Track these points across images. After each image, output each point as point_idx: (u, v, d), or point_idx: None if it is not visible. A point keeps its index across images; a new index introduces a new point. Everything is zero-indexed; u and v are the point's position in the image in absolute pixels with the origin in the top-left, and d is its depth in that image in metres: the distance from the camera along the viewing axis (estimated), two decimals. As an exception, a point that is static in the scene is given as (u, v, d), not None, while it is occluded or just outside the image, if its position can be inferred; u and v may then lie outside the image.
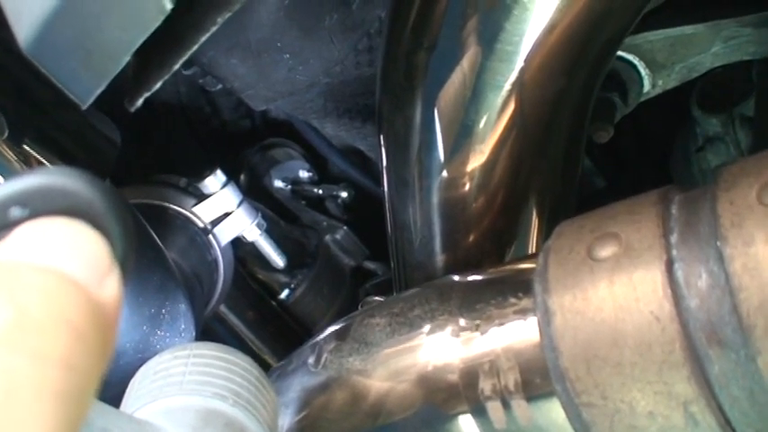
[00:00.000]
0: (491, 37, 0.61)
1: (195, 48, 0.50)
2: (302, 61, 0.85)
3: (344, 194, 1.15)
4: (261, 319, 1.11)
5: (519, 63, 0.62)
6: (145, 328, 0.72)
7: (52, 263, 0.31)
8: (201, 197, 0.96)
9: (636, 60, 0.87)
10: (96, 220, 0.33)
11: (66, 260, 0.31)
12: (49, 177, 0.33)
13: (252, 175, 1.16)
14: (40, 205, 0.32)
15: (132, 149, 0.94)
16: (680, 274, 0.50)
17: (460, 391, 0.58)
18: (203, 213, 0.95)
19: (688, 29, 0.84)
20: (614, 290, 0.51)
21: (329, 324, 1.13)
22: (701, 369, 0.49)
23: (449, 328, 0.59)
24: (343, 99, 0.93)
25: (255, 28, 0.81)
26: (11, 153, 0.61)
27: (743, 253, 0.47)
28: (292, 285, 1.12)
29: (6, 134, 0.61)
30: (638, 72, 0.88)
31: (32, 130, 0.64)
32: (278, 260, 1.07)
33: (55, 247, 0.32)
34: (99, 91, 0.52)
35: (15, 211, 0.32)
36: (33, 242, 0.31)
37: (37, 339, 0.29)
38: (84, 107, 0.53)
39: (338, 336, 0.64)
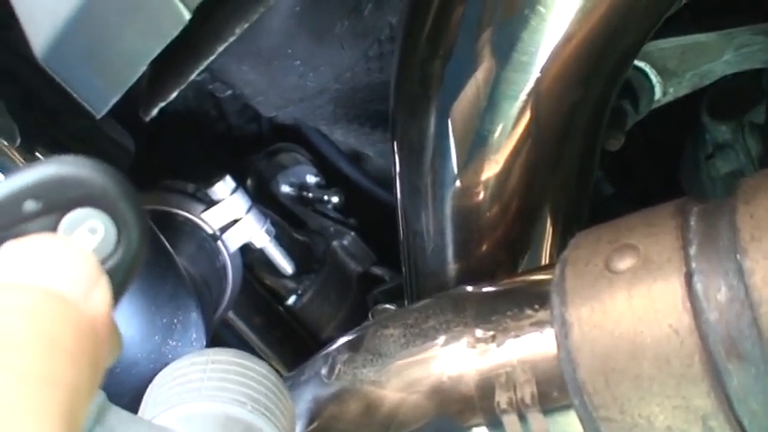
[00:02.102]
0: (507, 47, 0.61)
1: (212, 58, 0.50)
2: (313, 68, 0.85)
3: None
4: (268, 324, 1.10)
5: (535, 73, 0.62)
6: (157, 337, 0.72)
7: (35, 281, 0.31)
8: (210, 203, 0.95)
9: (647, 68, 0.87)
10: (110, 208, 0.33)
11: (50, 277, 0.32)
12: (62, 168, 0.33)
13: (259, 180, 1.15)
14: (54, 196, 0.33)
15: (140, 155, 0.94)
16: (699, 286, 0.49)
17: (476, 403, 0.58)
18: (212, 220, 0.94)
19: (700, 37, 0.84)
20: (633, 302, 0.51)
21: (336, 329, 1.14)
22: (720, 383, 0.49)
23: (464, 340, 0.59)
24: (352, 105, 0.93)
25: (266, 35, 0.81)
26: (23, 161, 0.61)
27: (763, 266, 0.47)
28: (300, 291, 1.11)
29: (19, 142, 0.61)
30: (650, 80, 0.88)
31: (45, 138, 0.64)
32: (286, 266, 1.06)
33: (38, 265, 0.32)
34: (114, 100, 0.52)
35: (29, 205, 0.33)
36: (16, 261, 0.32)
37: (20, 358, 0.29)
38: (99, 116, 0.53)
39: (351, 347, 0.64)
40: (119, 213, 0.33)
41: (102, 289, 0.33)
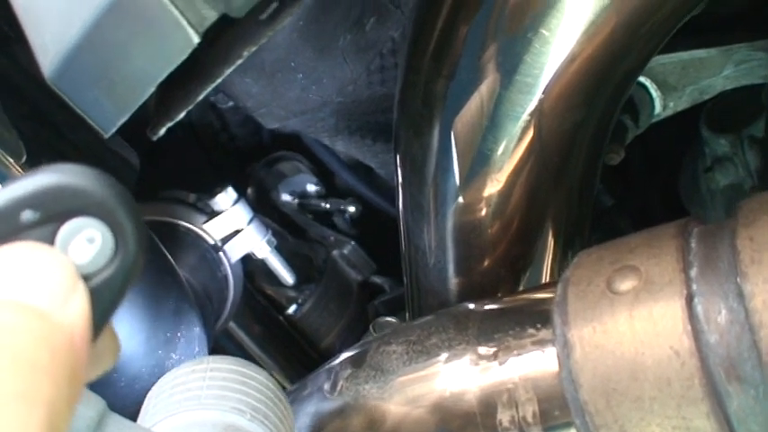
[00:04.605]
0: (510, 68, 0.61)
1: (220, 80, 0.50)
2: (315, 81, 0.85)
3: (352, 209, 1.15)
4: (268, 334, 1.11)
5: (538, 95, 0.62)
6: (160, 352, 0.72)
7: (7, 295, 0.31)
8: (212, 214, 0.96)
9: (648, 82, 0.87)
10: (108, 218, 0.33)
11: (23, 290, 0.31)
12: (60, 177, 0.32)
13: (259, 188, 1.16)
14: (52, 206, 0.32)
15: (142, 165, 0.94)
16: (699, 309, 0.50)
17: (478, 420, 0.58)
18: (214, 230, 0.95)
19: (700, 52, 0.85)
20: (634, 324, 0.51)
21: (336, 339, 1.14)
22: (720, 405, 0.49)
23: (467, 357, 0.59)
24: (354, 118, 0.93)
25: (270, 48, 0.81)
26: (29, 177, 0.61)
27: (763, 290, 0.48)
28: (300, 300, 1.12)
29: (24, 158, 0.61)
30: (650, 94, 0.88)
31: (50, 154, 0.64)
32: (287, 277, 1.07)
33: (11, 278, 0.31)
34: (122, 121, 0.52)
35: (27, 214, 0.32)
36: None
37: None
38: (107, 136, 0.53)
39: (354, 362, 0.64)
40: (116, 222, 0.33)
41: (79, 298, 0.32)
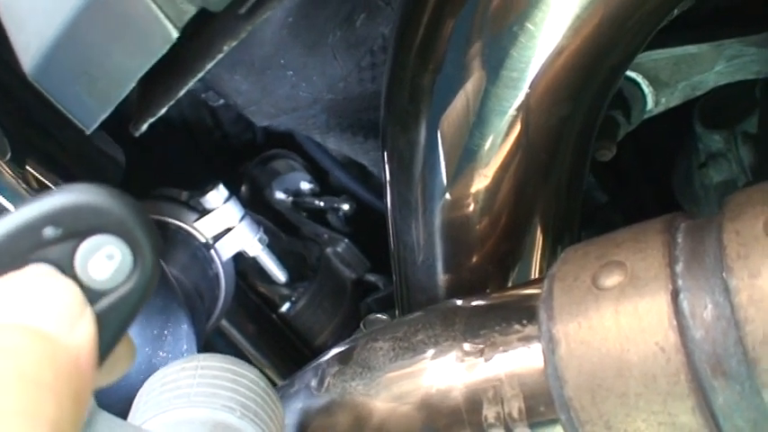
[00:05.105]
0: (496, 63, 0.61)
1: (201, 75, 0.50)
2: (305, 78, 0.85)
3: (346, 207, 1.15)
4: (261, 332, 1.11)
5: (524, 89, 0.62)
6: (147, 349, 0.72)
7: (18, 319, 0.32)
8: (203, 212, 0.96)
9: (639, 78, 0.87)
10: (126, 235, 0.35)
11: (32, 315, 0.32)
12: (81, 196, 0.34)
13: (253, 186, 1.16)
14: (73, 223, 0.34)
15: (132, 162, 0.94)
16: (685, 304, 0.49)
17: (464, 417, 0.58)
18: (205, 228, 0.95)
19: (692, 48, 0.84)
20: (620, 320, 0.51)
21: (330, 337, 1.14)
22: (706, 400, 0.49)
23: (453, 354, 0.59)
24: (345, 115, 0.93)
25: (259, 45, 0.81)
26: (14, 174, 0.61)
27: (749, 285, 0.47)
28: (293, 298, 1.12)
29: (9, 155, 0.61)
30: (642, 90, 0.88)
31: (35, 151, 0.64)
32: (279, 275, 1.07)
33: (22, 303, 0.33)
34: (103, 116, 0.52)
35: (49, 231, 0.34)
36: (0, 299, 0.33)
37: (2, 396, 0.30)
38: (89, 132, 0.53)
39: (341, 359, 0.64)
40: (134, 240, 0.34)
41: (86, 324, 0.33)
